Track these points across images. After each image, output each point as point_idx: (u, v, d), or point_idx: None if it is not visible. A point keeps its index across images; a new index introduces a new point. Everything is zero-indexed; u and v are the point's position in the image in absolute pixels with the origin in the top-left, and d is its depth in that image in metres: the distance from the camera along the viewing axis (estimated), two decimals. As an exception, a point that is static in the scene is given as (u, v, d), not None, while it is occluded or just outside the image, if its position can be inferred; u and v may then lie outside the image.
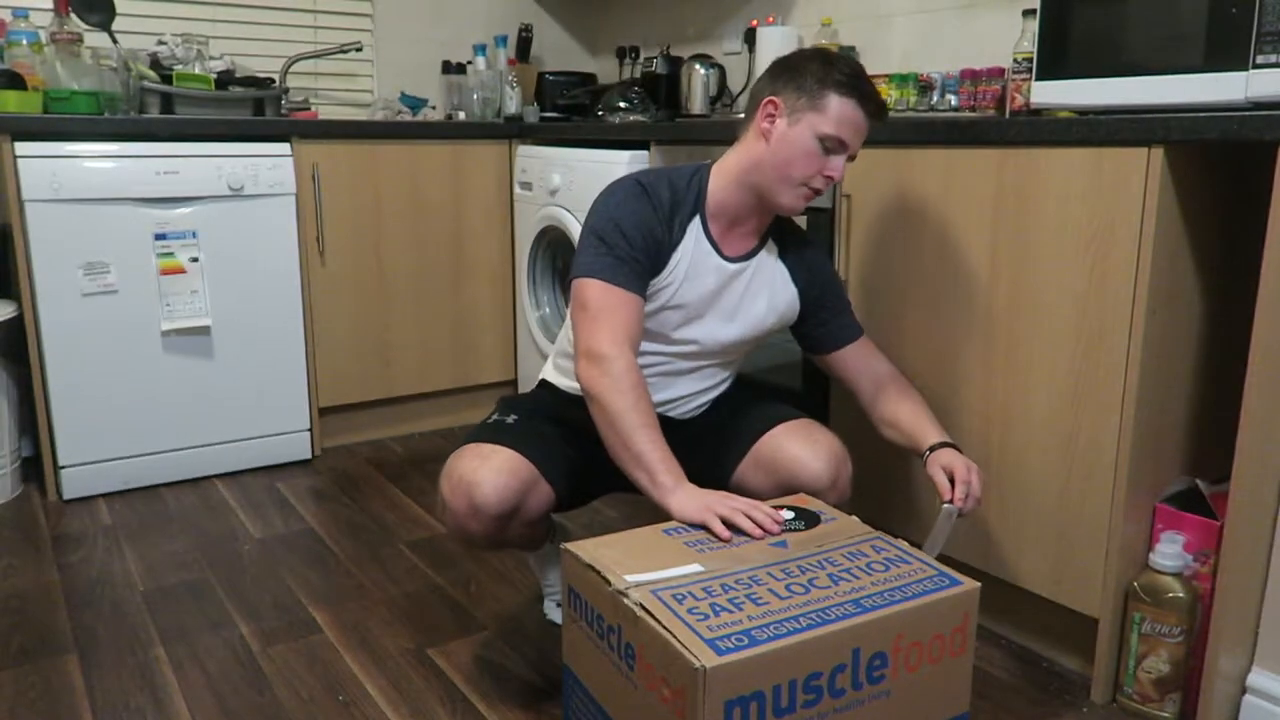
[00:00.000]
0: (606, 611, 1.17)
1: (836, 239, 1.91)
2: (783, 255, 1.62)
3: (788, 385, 2.09)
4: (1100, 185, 1.46)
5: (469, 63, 3.28)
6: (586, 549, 1.23)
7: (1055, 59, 1.63)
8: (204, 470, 2.57)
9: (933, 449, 1.50)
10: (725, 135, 1.58)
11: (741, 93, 3.03)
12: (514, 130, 2.98)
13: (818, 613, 1.10)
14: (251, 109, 2.69)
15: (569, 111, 3.24)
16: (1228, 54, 1.38)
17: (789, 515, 1.35)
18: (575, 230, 2.56)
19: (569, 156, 2.65)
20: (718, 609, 1.10)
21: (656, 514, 1.36)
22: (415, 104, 3.20)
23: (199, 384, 2.51)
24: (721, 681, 1.01)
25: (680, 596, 1.12)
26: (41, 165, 2.24)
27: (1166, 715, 1.52)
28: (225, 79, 2.72)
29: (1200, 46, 1.42)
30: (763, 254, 1.60)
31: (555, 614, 1.81)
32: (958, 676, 1.21)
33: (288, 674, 1.65)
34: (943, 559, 1.29)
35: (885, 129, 1.79)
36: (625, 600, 1.12)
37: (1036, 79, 1.66)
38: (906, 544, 1.29)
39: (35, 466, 2.51)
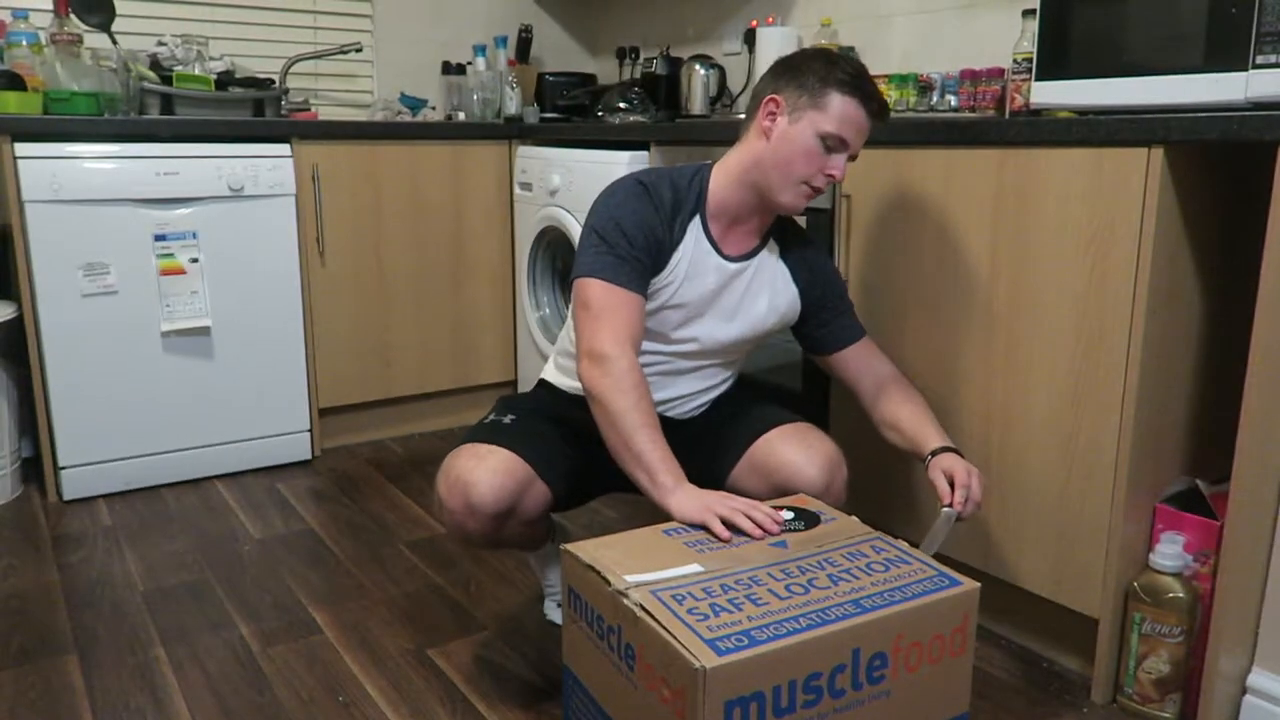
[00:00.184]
0: (606, 612, 1.17)
1: (836, 239, 1.91)
2: (784, 255, 1.62)
3: (788, 386, 2.09)
4: (1100, 185, 1.46)
5: (469, 63, 3.29)
6: (586, 549, 1.23)
7: (1055, 59, 1.63)
8: (204, 471, 2.57)
9: (935, 453, 1.50)
10: (725, 136, 1.58)
11: (741, 93, 3.03)
12: (514, 131, 2.98)
13: (817, 613, 1.10)
14: (251, 110, 2.69)
15: (569, 112, 3.24)
16: (1228, 54, 1.38)
17: (789, 515, 1.35)
18: (575, 231, 2.56)
19: (569, 157, 2.65)
20: (718, 609, 1.09)
21: (656, 514, 1.36)
22: (415, 105, 3.20)
23: (199, 385, 2.51)
24: (721, 682, 1.01)
25: (680, 597, 1.12)
26: (41, 166, 2.24)
27: (1167, 715, 1.52)
28: (225, 80, 2.72)
29: (1200, 47, 1.42)
30: (764, 254, 1.60)
31: (555, 614, 1.81)
32: (958, 677, 1.21)
33: (288, 674, 1.65)
34: (943, 559, 1.29)
35: (885, 129, 1.79)
36: (625, 601, 1.12)
37: (1036, 79, 1.66)
38: (906, 544, 1.29)
39: (35, 467, 2.51)
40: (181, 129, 2.45)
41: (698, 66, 2.92)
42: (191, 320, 2.46)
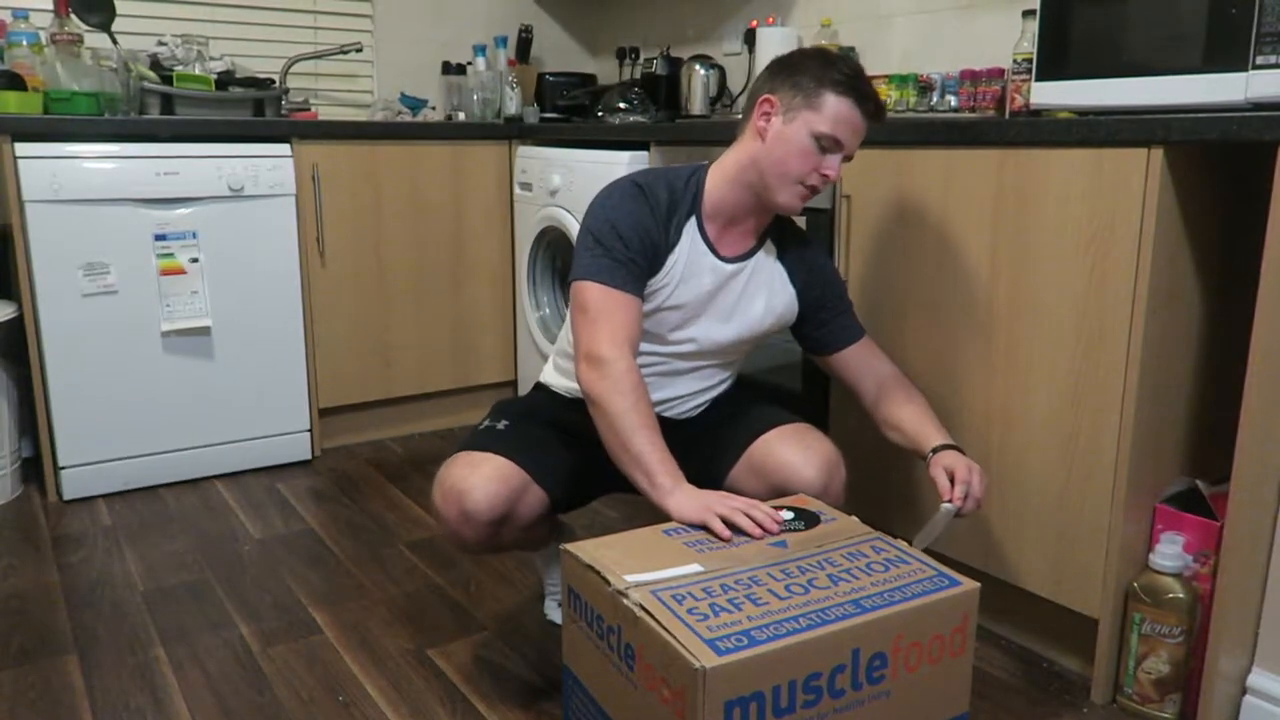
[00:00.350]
0: (606, 612, 1.17)
1: (836, 239, 1.91)
2: (781, 256, 1.62)
3: (788, 386, 2.09)
4: (1100, 186, 1.46)
5: (469, 63, 3.29)
6: (586, 549, 1.23)
7: (1055, 60, 1.63)
8: (204, 471, 2.57)
9: (936, 450, 1.50)
10: (725, 136, 1.58)
11: (741, 93, 3.03)
12: (514, 131, 2.98)
13: (817, 613, 1.10)
14: (251, 110, 2.69)
15: (569, 112, 3.24)
16: (1227, 55, 1.38)
17: (789, 515, 1.35)
18: (575, 231, 2.56)
19: (569, 157, 2.65)
20: (717, 609, 1.10)
21: (656, 514, 1.36)
22: (415, 105, 3.20)
23: (199, 385, 2.51)
24: (721, 682, 1.01)
25: (680, 597, 1.12)
26: (42, 166, 2.24)
27: (1166, 716, 1.52)
28: (225, 80, 2.72)
29: (1200, 47, 1.42)
30: (760, 254, 1.60)
31: (555, 614, 1.81)
32: (957, 677, 1.21)
33: (288, 674, 1.65)
34: (942, 559, 1.29)
35: (884, 129, 1.79)
36: (625, 601, 1.12)
37: (1036, 79, 1.66)
38: (906, 544, 1.29)
39: (35, 467, 2.51)
40: (182, 129, 2.45)
41: (698, 67, 2.92)
42: (191, 320, 2.46)
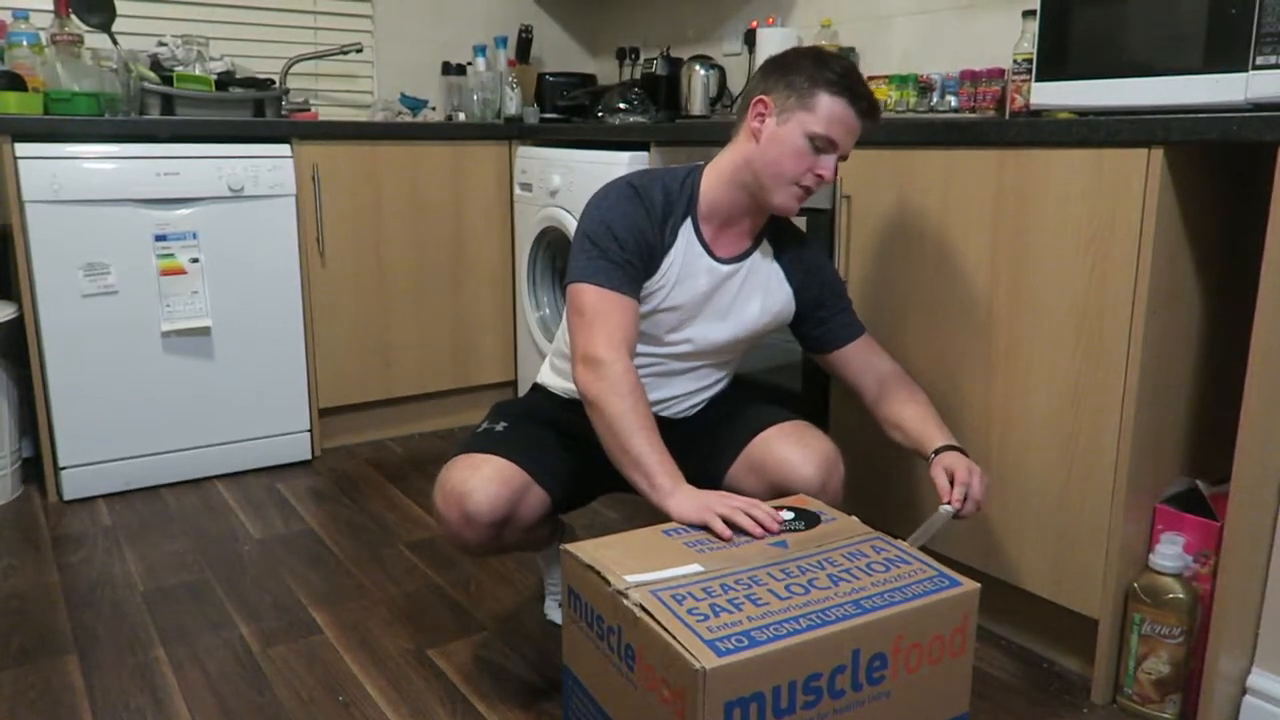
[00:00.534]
0: (606, 612, 1.17)
1: (836, 240, 1.91)
2: (778, 255, 1.62)
3: (788, 386, 2.09)
4: (1100, 186, 1.46)
5: (469, 64, 3.29)
6: (586, 550, 1.23)
7: (1055, 60, 1.63)
8: (204, 471, 2.57)
9: (938, 451, 1.49)
10: (725, 136, 1.58)
11: (741, 94, 3.03)
12: (514, 131, 2.98)
13: (817, 614, 1.10)
14: (252, 110, 2.69)
15: (569, 112, 3.24)
16: (1227, 55, 1.39)
17: (789, 515, 1.35)
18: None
19: (569, 157, 2.65)
20: (717, 609, 1.09)
21: (656, 514, 1.36)
22: (415, 105, 3.20)
23: (199, 385, 2.51)
24: (721, 682, 1.01)
25: (680, 597, 1.12)
26: (42, 166, 2.24)
27: (1167, 716, 1.52)
28: (225, 80, 2.72)
29: (1200, 47, 1.42)
30: (756, 255, 1.60)
31: (555, 614, 1.81)
32: (957, 677, 1.21)
33: (288, 674, 1.65)
34: (942, 559, 1.29)
35: (884, 130, 1.79)
36: (625, 601, 1.12)
37: (1036, 80, 1.66)
38: (906, 544, 1.29)
39: (35, 467, 2.51)
40: (182, 129, 2.45)
41: (698, 67, 2.92)
42: (192, 320, 2.46)
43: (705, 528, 1.30)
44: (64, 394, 2.34)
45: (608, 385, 1.39)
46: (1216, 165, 1.46)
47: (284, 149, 2.54)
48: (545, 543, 1.67)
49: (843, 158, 1.50)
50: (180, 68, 2.65)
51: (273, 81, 2.89)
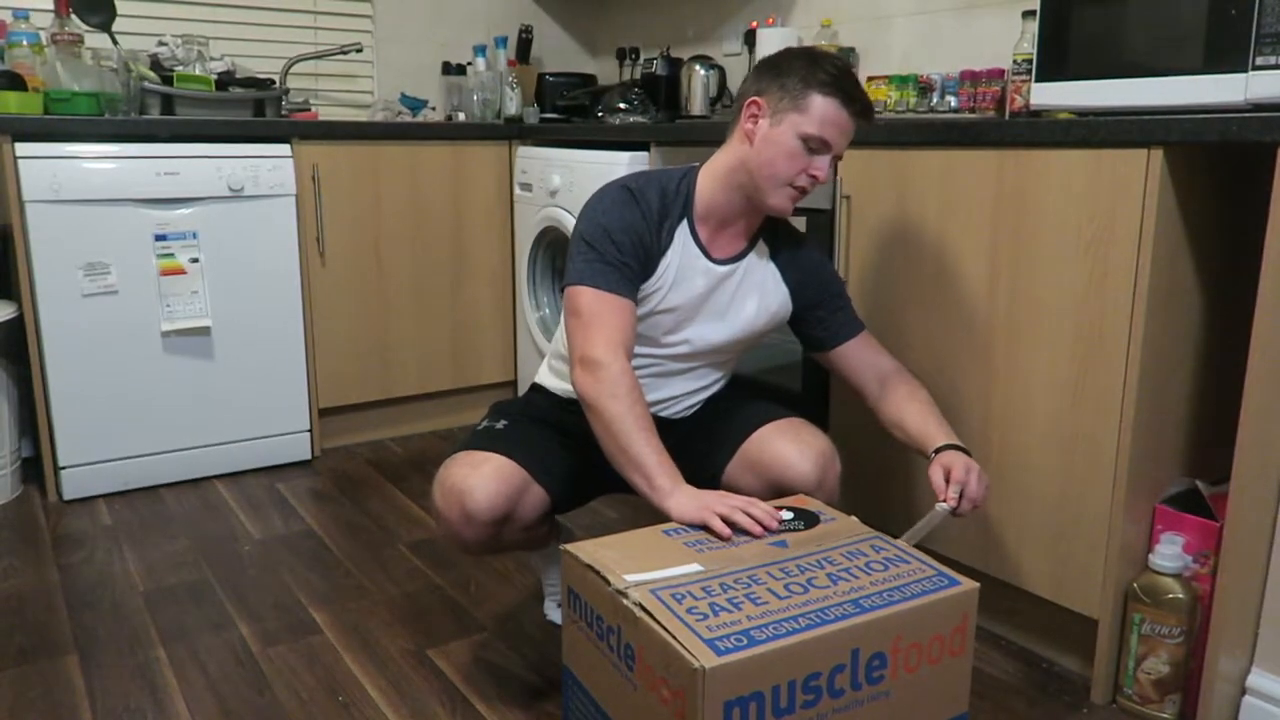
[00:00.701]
0: (606, 612, 1.17)
1: (836, 240, 1.92)
2: (774, 256, 1.62)
3: (787, 386, 2.09)
4: (1100, 186, 1.46)
5: (469, 64, 3.29)
6: (586, 549, 1.23)
7: (1055, 60, 1.63)
8: (204, 471, 2.57)
9: (939, 450, 1.48)
10: (725, 137, 1.58)
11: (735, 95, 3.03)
12: (514, 131, 2.98)
13: (817, 613, 1.10)
14: (252, 110, 2.69)
15: (569, 112, 3.24)
16: (1227, 56, 1.39)
17: (788, 515, 1.35)
18: (575, 231, 2.56)
19: (569, 157, 2.65)
20: (717, 609, 1.10)
21: (656, 515, 1.36)
22: (415, 105, 3.20)
23: (199, 385, 2.51)
24: (721, 682, 1.01)
25: (680, 596, 1.12)
26: (42, 166, 2.24)
27: (1166, 716, 1.52)
28: (225, 80, 2.72)
29: (1200, 48, 1.42)
30: (752, 255, 1.60)
31: (555, 614, 1.81)
32: (957, 677, 1.21)
33: (288, 675, 1.65)
34: (942, 559, 1.29)
35: (884, 130, 1.80)
36: (625, 601, 1.12)
37: (1036, 80, 1.66)
38: (905, 544, 1.29)
39: (35, 467, 2.51)
40: (182, 129, 2.45)
41: (698, 67, 2.92)
42: (191, 320, 2.46)
43: (705, 527, 1.30)
44: (64, 394, 2.34)
45: (606, 387, 1.39)
46: (1216, 165, 1.46)
47: (284, 149, 2.54)
48: (543, 543, 1.67)
49: (837, 158, 1.50)
50: (180, 68, 2.65)
51: (273, 81, 2.89)
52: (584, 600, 1.22)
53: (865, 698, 1.12)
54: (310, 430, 2.71)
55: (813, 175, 1.47)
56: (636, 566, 1.18)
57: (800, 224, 1.96)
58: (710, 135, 2.26)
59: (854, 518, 1.37)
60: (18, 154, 2.22)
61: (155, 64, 2.64)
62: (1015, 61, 2.06)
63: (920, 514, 1.81)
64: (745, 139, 1.49)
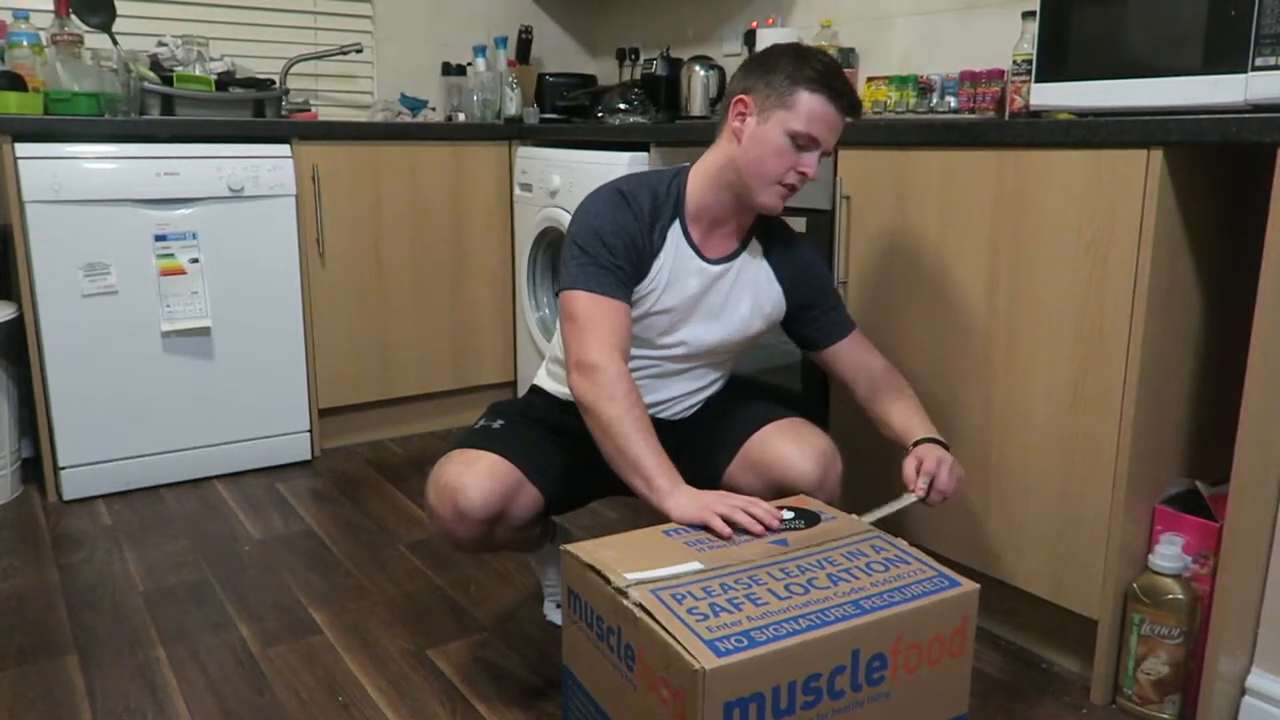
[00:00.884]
0: (606, 613, 1.17)
1: (836, 240, 1.92)
2: (767, 254, 1.62)
3: (787, 386, 2.09)
4: (1100, 187, 1.46)
5: (469, 64, 3.29)
6: (586, 549, 1.23)
7: (1055, 61, 1.63)
8: (204, 471, 2.57)
9: (916, 443, 1.52)
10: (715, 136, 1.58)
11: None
12: (514, 132, 2.99)
13: (817, 614, 1.10)
14: (252, 110, 2.69)
15: (569, 113, 3.24)
16: (1227, 56, 1.39)
17: (789, 515, 1.35)
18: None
19: (569, 158, 2.65)
20: (717, 609, 1.10)
21: (656, 515, 1.36)
22: (415, 105, 3.20)
23: (199, 385, 2.51)
24: (721, 683, 1.01)
25: (680, 596, 1.12)
26: (42, 166, 2.24)
27: (1166, 717, 1.52)
28: (225, 80, 2.72)
29: (1199, 49, 1.42)
30: (745, 255, 1.60)
31: (555, 615, 1.81)
32: (957, 678, 1.21)
33: (287, 675, 1.65)
34: (941, 559, 1.29)
35: (884, 130, 1.80)
36: (625, 601, 1.12)
37: (1036, 81, 1.66)
38: (906, 543, 1.29)
39: (35, 467, 2.51)
40: (182, 129, 2.45)
41: (698, 67, 2.92)
42: (191, 321, 2.46)
43: (705, 527, 1.30)
44: (64, 394, 2.34)
45: (603, 391, 1.39)
46: (1216, 166, 1.46)
47: (284, 149, 2.54)
48: (537, 543, 1.67)
49: (826, 154, 1.49)
50: (180, 68, 2.65)
51: (273, 82, 2.89)
52: (584, 600, 1.22)
53: (865, 699, 1.12)
54: (310, 430, 2.71)
55: (801, 172, 1.47)
56: (637, 565, 1.18)
57: (800, 224, 1.96)
58: (710, 136, 2.24)
59: (854, 516, 1.37)
60: (18, 154, 2.22)
61: (155, 64, 2.64)
62: (1015, 62, 2.06)
63: (920, 512, 1.81)
64: (733, 137, 1.49)
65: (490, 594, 1.95)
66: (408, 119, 3.15)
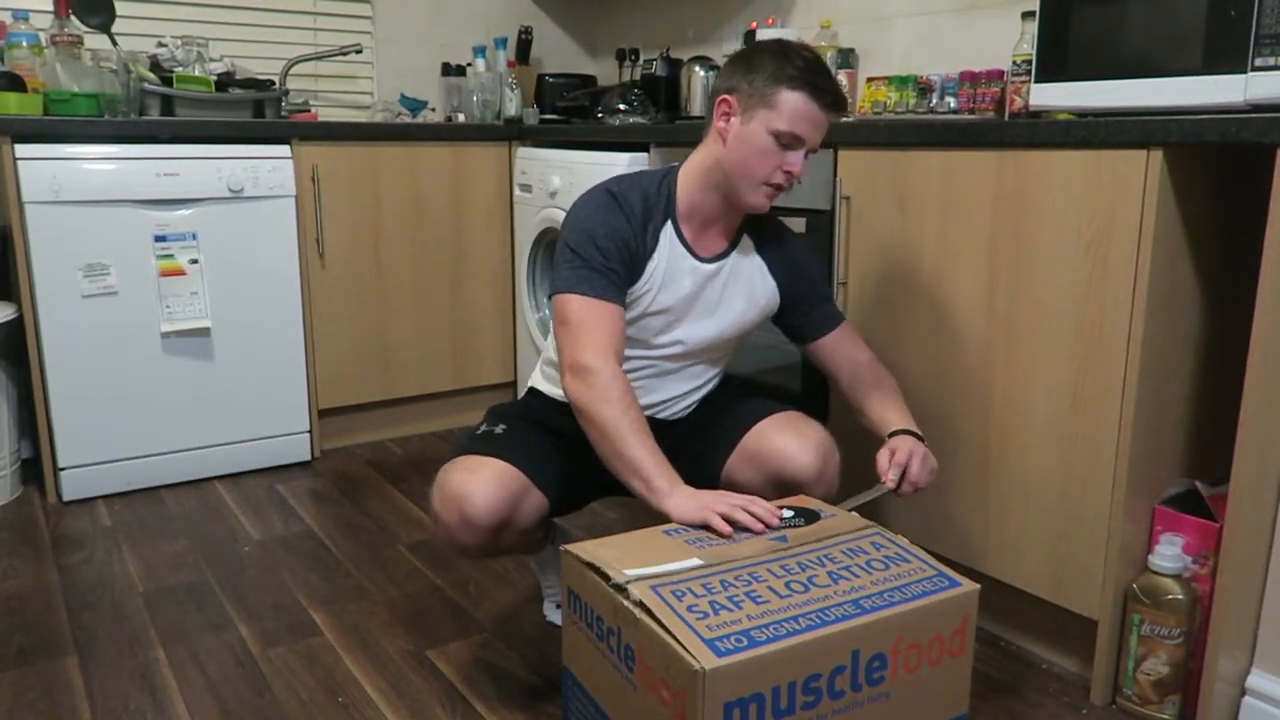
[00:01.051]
0: (606, 613, 1.17)
1: (836, 240, 1.92)
2: (760, 249, 1.62)
3: (787, 386, 2.09)
4: (1100, 187, 1.46)
5: (469, 65, 3.29)
6: (586, 549, 1.23)
7: (1054, 61, 1.63)
8: (204, 472, 2.57)
9: (892, 434, 1.53)
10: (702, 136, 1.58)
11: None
12: (514, 132, 2.99)
13: (817, 613, 1.10)
14: (251, 111, 2.69)
15: (569, 113, 3.24)
16: (1227, 56, 1.39)
17: (789, 514, 1.35)
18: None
19: (569, 158, 2.65)
20: (717, 607, 1.09)
21: (656, 516, 1.36)
22: (415, 106, 3.20)
23: (199, 386, 2.51)
24: (721, 683, 1.01)
25: (680, 593, 1.12)
26: (42, 167, 2.24)
27: (1166, 717, 1.52)
28: (225, 81, 2.72)
29: (1199, 49, 1.42)
30: (738, 251, 1.60)
31: (555, 615, 1.81)
32: (957, 678, 1.21)
33: (287, 676, 1.65)
34: (941, 559, 1.29)
35: (884, 131, 1.80)
36: (625, 600, 1.11)
37: (1036, 81, 1.66)
38: (906, 541, 1.29)
39: (35, 468, 2.51)
40: (181, 130, 2.45)
41: (697, 68, 2.92)
42: (191, 321, 2.46)
43: (706, 527, 1.29)
44: (64, 395, 2.34)
45: (598, 393, 1.38)
46: (1216, 166, 1.46)
47: (284, 150, 2.54)
48: (540, 545, 1.67)
49: (812, 151, 1.49)
50: (180, 68, 2.65)
51: (272, 82, 2.89)
52: (584, 601, 1.22)
53: (865, 699, 1.12)
54: (310, 431, 2.71)
55: (788, 171, 1.46)
56: (636, 563, 1.18)
57: (800, 224, 1.96)
58: (710, 136, 2.26)
59: (854, 514, 1.37)
60: (17, 155, 2.22)
61: (155, 65, 2.64)
62: (1015, 62, 2.06)
63: (920, 508, 1.81)
64: (719, 138, 1.49)
65: (490, 594, 1.95)
66: (408, 119, 3.15)
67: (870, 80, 2.47)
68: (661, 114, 2.93)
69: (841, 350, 1.65)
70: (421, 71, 3.36)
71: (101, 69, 2.49)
